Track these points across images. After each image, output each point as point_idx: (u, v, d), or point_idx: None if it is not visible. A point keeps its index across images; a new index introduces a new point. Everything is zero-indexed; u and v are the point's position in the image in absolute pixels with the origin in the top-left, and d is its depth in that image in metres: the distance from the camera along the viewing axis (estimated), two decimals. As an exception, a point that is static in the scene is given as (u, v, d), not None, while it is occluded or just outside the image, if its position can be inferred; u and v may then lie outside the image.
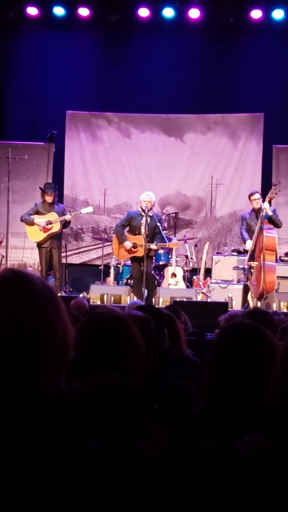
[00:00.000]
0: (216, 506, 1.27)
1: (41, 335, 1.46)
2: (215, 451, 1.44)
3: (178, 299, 8.93)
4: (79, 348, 1.86)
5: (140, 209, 9.78)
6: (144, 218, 9.61)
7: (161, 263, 10.36)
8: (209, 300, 10.01)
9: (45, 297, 1.50)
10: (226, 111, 12.58)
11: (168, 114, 12.77)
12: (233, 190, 12.60)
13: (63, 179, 12.78)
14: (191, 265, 11.11)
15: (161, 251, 10.21)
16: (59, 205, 10.39)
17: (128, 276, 10.61)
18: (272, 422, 1.51)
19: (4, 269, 1.59)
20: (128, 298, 9.33)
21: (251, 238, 9.55)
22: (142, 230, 9.56)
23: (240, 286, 10.24)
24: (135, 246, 9.58)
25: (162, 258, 10.36)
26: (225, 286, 10.39)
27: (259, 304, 9.06)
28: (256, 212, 9.63)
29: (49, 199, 10.08)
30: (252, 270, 9.48)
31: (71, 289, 11.00)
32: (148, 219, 9.61)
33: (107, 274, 11.14)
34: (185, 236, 11.80)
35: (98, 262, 12.08)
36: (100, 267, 11.41)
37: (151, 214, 9.68)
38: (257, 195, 9.72)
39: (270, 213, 9.34)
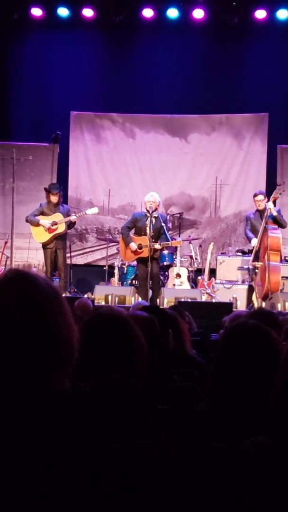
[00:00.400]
0: (219, 506, 1.27)
1: (45, 335, 1.46)
2: (219, 451, 1.44)
3: (182, 300, 8.93)
4: (81, 348, 1.87)
5: (145, 210, 9.78)
6: (149, 219, 9.60)
7: (165, 263, 10.36)
8: (213, 300, 10.00)
9: (49, 297, 1.50)
10: (230, 111, 12.58)
11: (173, 114, 12.77)
12: (238, 190, 12.59)
13: (68, 180, 12.79)
14: (195, 265, 11.11)
15: (165, 252, 10.21)
16: (64, 206, 10.38)
17: (133, 276, 10.61)
18: (276, 423, 1.51)
19: (8, 269, 1.59)
20: (132, 299, 9.33)
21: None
22: (148, 231, 9.55)
23: (245, 287, 10.23)
24: (140, 247, 9.58)
25: (167, 258, 10.36)
26: (230, 287, 10.39)
27: (263, 304, 9.05)
28: (261, 212, 9.61)
29: (54, 199, 10.07)
30: (256, 270, 9.47)
31: (75, 290, 11.00)
32: (153, 220, 9.60)
33: (111, 274, 11.15)
34: (189, 236, 11.80)
35: (102, 263, 12.08)
36: (104, 268, 11.41)
37: (156, 215, 9.67)
38: (261, 196, 9.68)
39: (274, 213, 9.33)
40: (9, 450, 1.32)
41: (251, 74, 12.42)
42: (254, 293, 9.59)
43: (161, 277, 10.36)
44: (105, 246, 11.85)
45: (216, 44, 12.50)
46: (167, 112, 12.75)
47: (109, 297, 9.35)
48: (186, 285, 10.34)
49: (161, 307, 7.27)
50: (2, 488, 1.28)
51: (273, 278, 9.08)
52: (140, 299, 9.11)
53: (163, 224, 9.63)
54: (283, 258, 9.95)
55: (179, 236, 11.23)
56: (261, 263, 9.27)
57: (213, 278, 10.74)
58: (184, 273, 10.42)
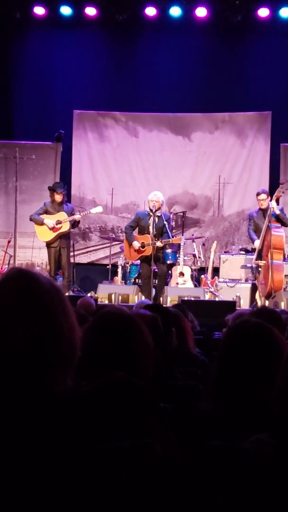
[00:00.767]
0: (222, 503, 1.27)
1: (48, 334, 1.46)
2: (222, 449, 1.44)
3: (186, 298, 8.92)
4: (88, 347, 1.86)
5: (148, 209, 9.78)
6: (151, 218, 9.61)
7: (169, 262, 10.36)
8: (217, 299, 9.99)
9: (52, 296, 1.50)
10: (233, 110, 12.56)
11: (176, 113, 12.76)
12: (241, 188, 12.58)
13: (71, 179, 12.80)
14: (199, 264, 11.10)
15: (169, 251, 10.21)
16: (68, 205, 10.39)
17: (136, 275, 10.62)
18: (278, 421, 1.50)
19: (10, 268, 1.59)
20: (136, 298, 9.32)
21: (258, 237, 9.54)
22: (150, 230, 9.56)
23: (248, 285, 10.22)
24: (143, 245, 9.59)
25: (170, 257, 10.36)
26: (233, 285, 10.38)
27: (267, 303, 9.04)
28: (264, 211, 9.60)
29: (59, 198, 10.07)
30: (259, 269, 9.46)
31: (79, 289, 11.01)
32: (156, 219, 9.61)
33: (114, 273, 11.15)
34: (192, 235, 11.80)
35: (105, 262, 12.08)
36: (107, 267, 11.42)
37: (159, 214, 9.68)
38: (263, 195, 9.67)
39: (277, 211, 9.33)
40: (11, 449, 1.32)
41: (254, 72, 12.41)
42: (258, 292, 9.59)
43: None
44: (109, 245, 11.85)
45: (219, 42, 12.49)
46: (170, 111, 12.74)
47: (113, 296, 9.34)
48: (190, 284, 10.33)
49: (164, 305, 7.27)
50: (4, 487, 1.28)
51: (276, 276, 9.07)
52: (143, 297, 9.11)
53: (165, 223, 9.63)
54: (286, 256, 9.95)
55: (183, 235, 11.22)
56: (264, 262, 9.26)
57: (216, 277, 10.74)
58: (187, 271, 10.42)
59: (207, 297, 9.93)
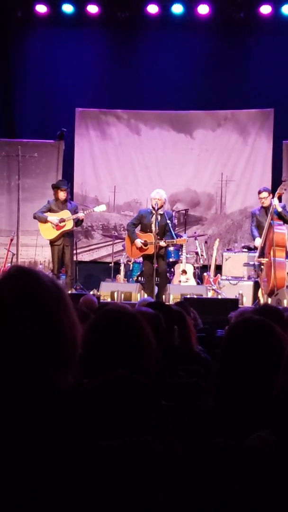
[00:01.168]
0: (223, 500, 1.27)
1: (49, 333, 1.46)
2: (222, 446, 1.44)
3: (188, 296, 8.92)
4: (90, 345, 1.86)
5: (150, 207, 9.78)
6: (154, 216, 9.60)
7: (171, 260, 10.36)
8: (219, 297, 9.99)
9: (53, 294, 1.50)
10: (235, 107, 12.55)
11: (178, 110, 12.74)
12: (243, 186, 12.56)
13: (73, 177, 12.79)
14: (201, 262, 11.10)
15: (171, 248, 10.21)
16: (72, 203, 10.39)
17: (139, 273, 10.62)
18: (279, 418, 1.50)
19: (11, 266, 1.59)
20: (138, 295, 9.33)
21: (260, 235, 9.53)
22: (153, 228, 9.56)
23: (251, 283, 10.22)
24: (145, 244, 9.59)
25: (173, 255, 10.36)
26: (236, 283, 10.38)
27: (269, 300, 9.04)
28: (266, 208, 9.60)
29: (63, 195, 10.06)
30: (262, 266, 9.46)
31: (81, 286, 11.02)
32: (159, 217, 9.61)
33: (117, 271, 11.15)
34: (195, 232, 11.80)
35: (108, 260, 12.08)
36: (110, 264, 11.42)
37: (161, 212, 9.67)
38: (265, 193, 9.67)
39: (279, 209, 9.32)
40: (12, 448, 1.32)
41: (256, 70, 12.39)
42: (260, 289, 9.59)
43: (167, 274, 10.36)
44: (111, 243, 11.85)
45: (221, 39, 12.48)
46: (172, 108, 12.72)
47: (115, 294, 9.35)
48: (192, 282, 10.33)
49: (166, 303, 7.27)
50: (6, 486, 1.28)
51: (279, 274, 9.07)
52: (146, 295, 9.11)
53: (168, 221, 9.62)
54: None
55: (185, 233, 11.22)
56: (266, 259, 9.26)
57: (219, 275, 10.74)
58: (190, 269, 10.42)
59: (210, 294, 9.93)
